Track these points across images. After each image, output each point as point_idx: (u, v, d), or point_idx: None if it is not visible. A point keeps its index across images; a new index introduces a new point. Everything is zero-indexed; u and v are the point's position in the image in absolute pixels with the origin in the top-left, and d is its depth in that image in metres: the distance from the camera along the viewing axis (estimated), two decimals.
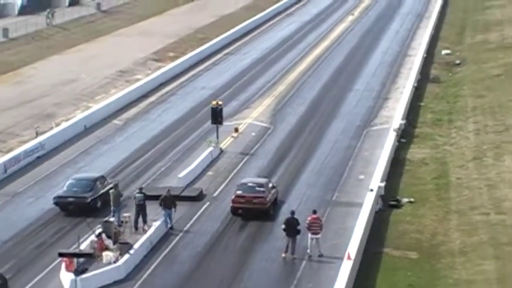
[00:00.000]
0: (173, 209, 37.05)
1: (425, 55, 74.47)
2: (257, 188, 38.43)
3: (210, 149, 47.36)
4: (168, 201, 36.85)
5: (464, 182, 43.67)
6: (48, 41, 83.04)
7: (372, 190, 39.73)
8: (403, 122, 53.13)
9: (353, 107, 59.04)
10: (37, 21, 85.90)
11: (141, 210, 36.55)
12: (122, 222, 36.48)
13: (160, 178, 44.00)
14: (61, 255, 32.49)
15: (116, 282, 32.00)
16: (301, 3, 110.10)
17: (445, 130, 53.77)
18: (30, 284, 32.03)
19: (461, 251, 35.41)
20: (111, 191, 37.75)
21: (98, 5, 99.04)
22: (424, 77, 67.98)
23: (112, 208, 37.19)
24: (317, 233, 34.28)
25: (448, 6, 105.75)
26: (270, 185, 39.42)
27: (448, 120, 56.16)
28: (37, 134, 50.95)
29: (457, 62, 74.25)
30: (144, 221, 36.49)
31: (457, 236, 37.08)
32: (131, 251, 33.71)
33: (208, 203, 40.40)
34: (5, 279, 28.93)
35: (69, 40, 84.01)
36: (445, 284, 32.52)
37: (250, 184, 38.91)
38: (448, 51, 78.36)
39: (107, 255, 33.11)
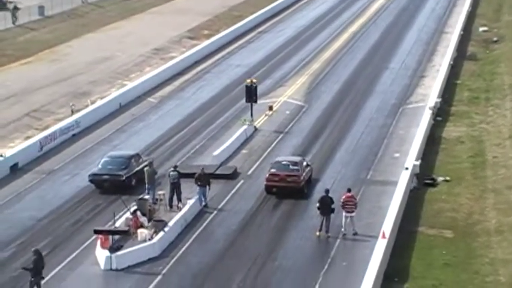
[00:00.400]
0: (207, 187, 37.10)
1: (462, 32, 73.72)
2: (291, 167, 38.32)
3: (245, 127, 47.31)
4: (203, 179, 36.91)
5: (501, 161, 43.26)
6: (84, 19, 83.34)
7: (407, 168, 39.49)
8: (439, 100, 52.68)
9: (388, 85, 58.64)
10: None
11: (175, 188, 36.65)
12: (157, 200, 36.62)
13: (195, 156, 44.06)
14: (96, 232, 32.85)
15: (150, 260, 32.13)
16: None
17: (481, 108, 53.25)
18: (66, 261, 32.26)
19: (498, 230, 35.13)
20: (145, 168, 37.89)
21: None
22: (460, 55, 67.34)
23: (147, 186, 37.32)
24: (351, 212, 34.16)
25: None
26: (304, 163, 39.30)
27: (484, 98, 55.61)
28: (72, 112, 51.22)
29: (495, 39, 73.40)
30: (179, 199, 36.59)
31: (493, 215, 36.79)
32: (166, 229, 33.82)
33: (242, 181, 40.40)
34: (41, 254, 29.18)
35: (104, 18, 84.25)
36: (480, 262, 32.30)
37: (284, 162, 38.81)
38: (485, 28, 77.48)
39: (142, 232, 33.25)
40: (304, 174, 38.47)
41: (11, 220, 36.37)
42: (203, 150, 45.04)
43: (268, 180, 38.22)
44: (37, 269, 28.82)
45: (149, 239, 33.00)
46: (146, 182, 37.35)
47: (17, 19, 77.06)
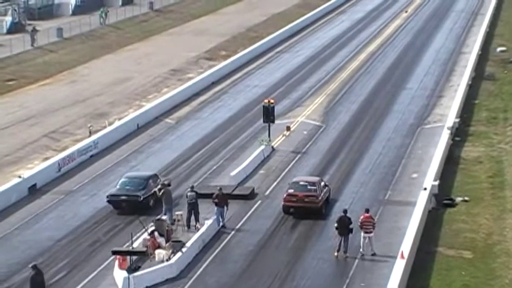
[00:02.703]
0: (225, 207, 37.07)
1: (479, 52, 73.58)
2: (309, 187, 38.25)
3: (262, 147, 47.31)
4: (221, 200, 36.89)
5: None
6: (102, 41, 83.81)
7: (425, 189, 39.31)
8: (457, 120, 52.50)
9: (406, 105, 58.53)
10: (90, 21, 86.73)
11: (193, 209, 36.64)
12: (174, 220, 36.60)
13: (212, 177, 44.07)
14: (114, 253, 32.81)
15: (168, 280, 32.10)
16: (353, 1, 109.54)
17: (500, 128, 53.02)
18: (84, 282, 32.28)
19: None
20: (162, 189, 37.80)
21: (151, 4, 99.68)
22: (478, 75, 67.17)
23: (164, 206, 37.31)
24: (370, 232, 34.03)
25: (504, 2, 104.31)
26: (322, 183, 39.22)
27: (503, 118, 55.37)
28: (90, 133, 51.40)
29: None
30: (197, 219, 36.57)
31: None
32: (183, 249, 33.78)
33: (260, 202, 40.35)
34: (40, 270, 29.11)
35: (122, 39, 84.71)
36: (500, 283, 32.05)
37: (302, 183, 38.75)
38: (503, 48, 77.29)
39: (160, 253, 33.24)
40: (322, 194, 38.37)
41: (30, 241, 36.44)
42: (220, 170, 45.05)
43: (285, 200, 38.15)
44: (34, 284, 28.66)
45: (167, 260, 32.98)
46: (163, 203, 37.34)
47: (36, 41, 77.57)
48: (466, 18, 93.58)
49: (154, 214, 37.39)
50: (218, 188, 37.96)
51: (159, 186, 37.99)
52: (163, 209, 37.28)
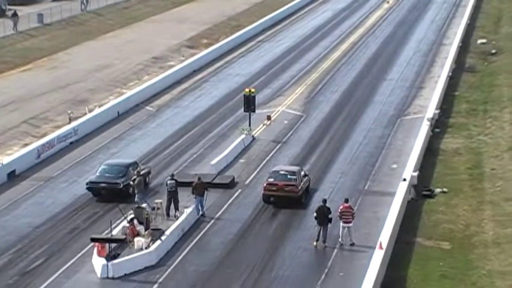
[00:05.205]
0: (205, 194, 36.96)
1: (460, 44, 73.79)
2: (289, 176, 38.30)
3: (243, 136, 47.30)
4: (200, 188, 36.86)
5: (499, 173, 43.26)
6: (83, 27, 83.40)
7: (404, 180, 39.47)
8: (437, 111, 52.70)
9: (387, 96, 58.67)
10: (71, 7, 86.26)
11: (173, 197, 36.60)
12: (153, 208, 36.49)
13: (193, 165, 44.04)
14: (93, 240, 32.79)
15: (147, 268, 32.07)
16: None
17: (479, 120, 53.26)
18: (62, 269, 32.19)
19: (495, 242, 35.10)
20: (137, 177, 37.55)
21: None
22: (459, 66, 67.39)
23: (136, 195, 37.05)
24: (349, 222, 34.13)
25: None
26: (302, 173, 39.28)
27: (483, 110, 55.63)
28: (70, 120, 51.20)
29: (493, 51, 73.45)
30: (176, 208, 36.54)
31: (490, 226, 36.76)
32: (163, 237, 33.76)
33: (240, 191, 40.37)
34: None
35: (104, 26, 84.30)
36: (478, 274, 32.26)
37: (282, 172, 38.78)
38: (483, 41, 77.57)
39: (139, 241, 33.20)
40: (301, 184, 38.44)
41: (8, 227, 36.31)
42: (201, 159, 45.02)
43: (265, 189, 38.20)
44: None
45: (146, 248, 32.94)
46: (136, 191, 37.10)
47: (17, 25, 77.08)
48: (448, 10, 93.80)
49: (134, 202, 37.30)
50: (197, 177, 37.85)
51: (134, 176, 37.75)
52: (136, 197, 37.05)
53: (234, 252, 33.87)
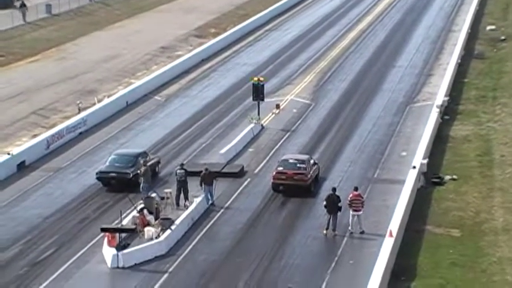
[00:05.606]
0: (214, 183, 36.93)
1: (469, 31, 73.54)
2: (298, 165, 38.27)
3: (252, 125, 47.28)
4: (208, 178, 36.84)
5: (508, 160, 43.14)
6: (91, 17, 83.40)
7: (414, 167, 39.40)
8: (447, 98, 52.56)
9: (396, 83, 58.54)
10: None
11: (182, 187, 36.62)
12: (163, 198, 36.54)
13: (202, 154, 44.05)
14: (103, 230, 32.85)
15: (157, 258, 32.12)
16: None
17: (489, 107, 53.11)
18: (73, 259, 32.25)
19: (505, 229, 35.03)
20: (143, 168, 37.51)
21: None
22: (468, 53, 67.17)
23: (142, 184, 37.06)
24: (358, 210, 34.11)
25: None
26: (311, 161, 39.24)
27: (492, 96, 55.46)
28: (79, 110, 51.26)
29: (502, 37, 73.17)
30: (186, 197, 36.57)
31: (500, 213, 36.68)
32: (173, 227, 33.81)
33: (249, 180, 40.36)
34: None
35: (112, 16, 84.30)
36: (488, 261, 32.21)
37: (291, 160, 38.75)
38: (492, 27, 77.27)
39: (149, 230, 33.25)
40: (311, 172, 38.42)
41: (18, 218, 36.40)
42: (210, 148, 45.03)
43: (275, 178, 38.18)
44: None
45: (156, 237, 33.00)
46: (142, 180, 37.07)
47: (25, 16, 77.14)
48: None
49: (140, 191, 37.29)
50: (205, 167, 37.74)
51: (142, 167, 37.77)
52: (141, 186, 37.03)
53: (243, 242, 33.89)
